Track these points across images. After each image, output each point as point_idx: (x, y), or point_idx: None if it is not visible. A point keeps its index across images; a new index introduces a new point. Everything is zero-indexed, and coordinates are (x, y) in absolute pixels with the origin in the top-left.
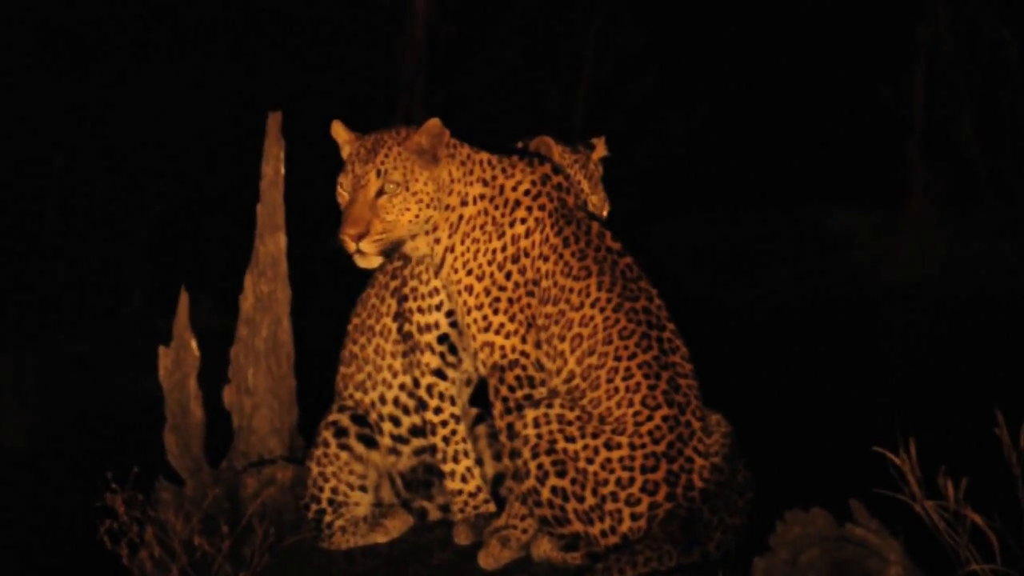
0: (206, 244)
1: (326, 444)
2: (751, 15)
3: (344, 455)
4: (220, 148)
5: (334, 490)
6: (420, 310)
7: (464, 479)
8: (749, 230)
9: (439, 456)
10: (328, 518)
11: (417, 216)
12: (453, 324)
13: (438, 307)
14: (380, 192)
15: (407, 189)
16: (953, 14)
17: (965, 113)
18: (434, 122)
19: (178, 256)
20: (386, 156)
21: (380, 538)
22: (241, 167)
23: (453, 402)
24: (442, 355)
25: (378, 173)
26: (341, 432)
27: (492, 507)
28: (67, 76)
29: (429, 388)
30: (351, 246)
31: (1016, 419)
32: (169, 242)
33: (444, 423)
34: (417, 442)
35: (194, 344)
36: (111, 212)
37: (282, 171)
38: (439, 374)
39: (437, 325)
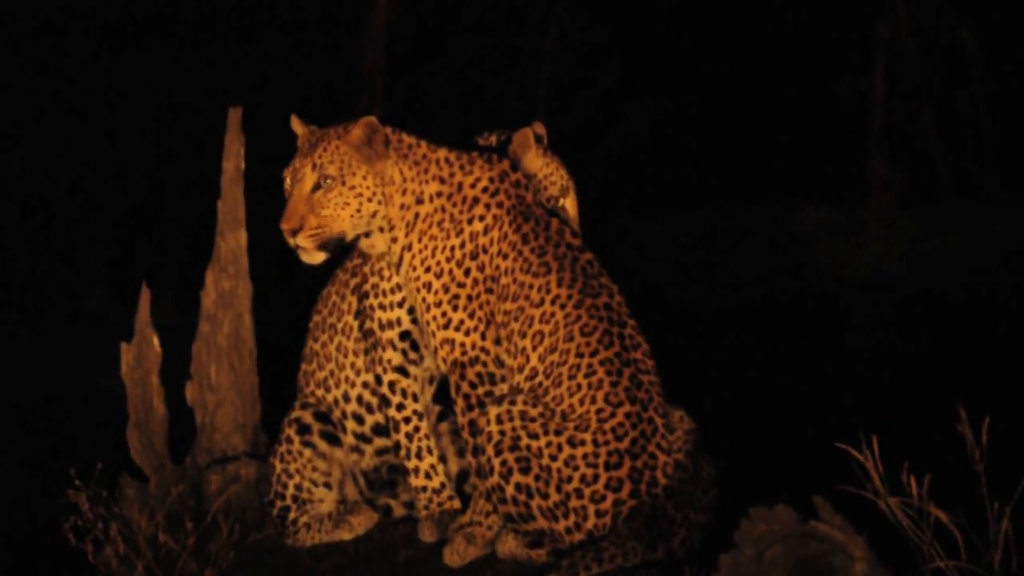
0: (167, 240)
1: (289, 441)
2: (713, 12)
3: (307, 452)
4: (181, 144)
5: (298, 487)
6: (381, 307)
7: (428, 476)
8: (711, 226)
9: (403, 453)
10: (292, 515)
11: (359, 211)
12: (415, 321)
13: (400, 304)
14: (316, 187)
15: (343, 183)
16: (913, 11)
17: (925, 110)
18: (368, 119)
19: (139, 252)
20: (324, 151)
21: (345, 535)
22: (202, 163)
23: (416, 399)
24: (404, 352)
25: (313, 167)
26: (304, 429)
27: (456, 504)
28: (26, 72)
29: (391, 385)
30: (289, 241)
31: (979, 415)
32: (130, 238)
33: (407, 420)
34: (380, 442)
35: (156, 340)
36: (72, 208)
37: (242, 167)
38: (401, 371)
39: (399, 322)
